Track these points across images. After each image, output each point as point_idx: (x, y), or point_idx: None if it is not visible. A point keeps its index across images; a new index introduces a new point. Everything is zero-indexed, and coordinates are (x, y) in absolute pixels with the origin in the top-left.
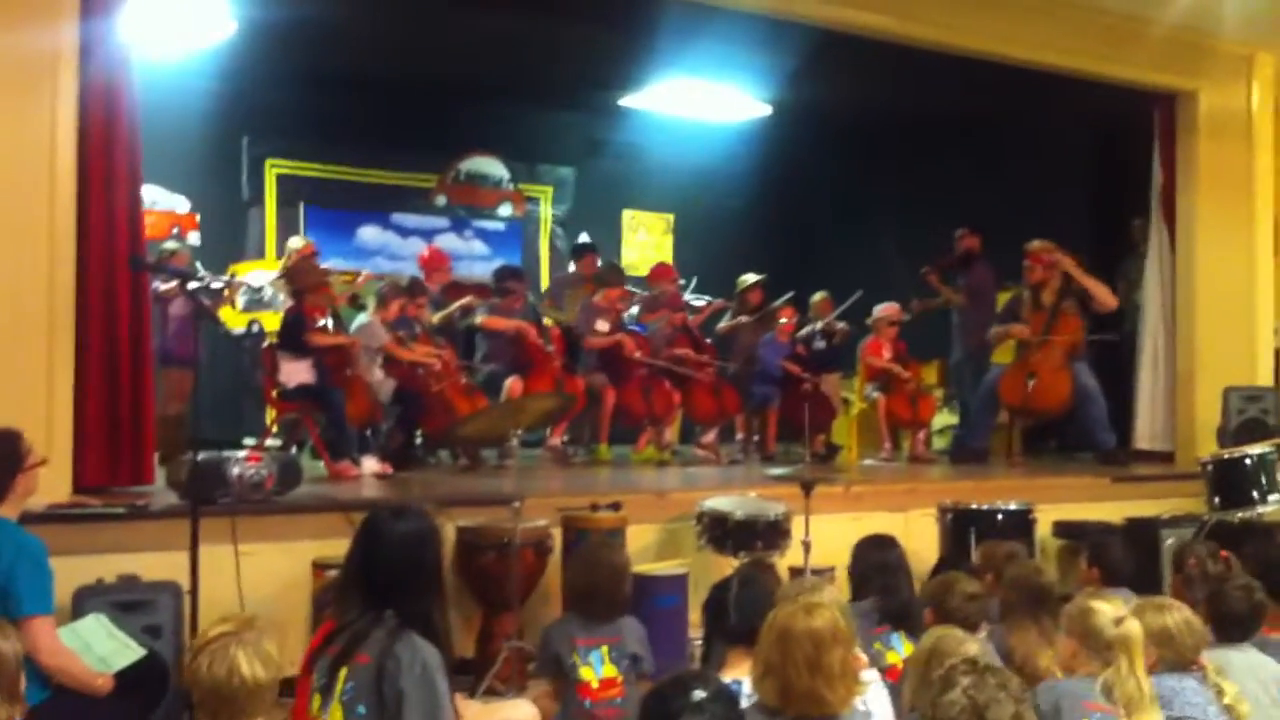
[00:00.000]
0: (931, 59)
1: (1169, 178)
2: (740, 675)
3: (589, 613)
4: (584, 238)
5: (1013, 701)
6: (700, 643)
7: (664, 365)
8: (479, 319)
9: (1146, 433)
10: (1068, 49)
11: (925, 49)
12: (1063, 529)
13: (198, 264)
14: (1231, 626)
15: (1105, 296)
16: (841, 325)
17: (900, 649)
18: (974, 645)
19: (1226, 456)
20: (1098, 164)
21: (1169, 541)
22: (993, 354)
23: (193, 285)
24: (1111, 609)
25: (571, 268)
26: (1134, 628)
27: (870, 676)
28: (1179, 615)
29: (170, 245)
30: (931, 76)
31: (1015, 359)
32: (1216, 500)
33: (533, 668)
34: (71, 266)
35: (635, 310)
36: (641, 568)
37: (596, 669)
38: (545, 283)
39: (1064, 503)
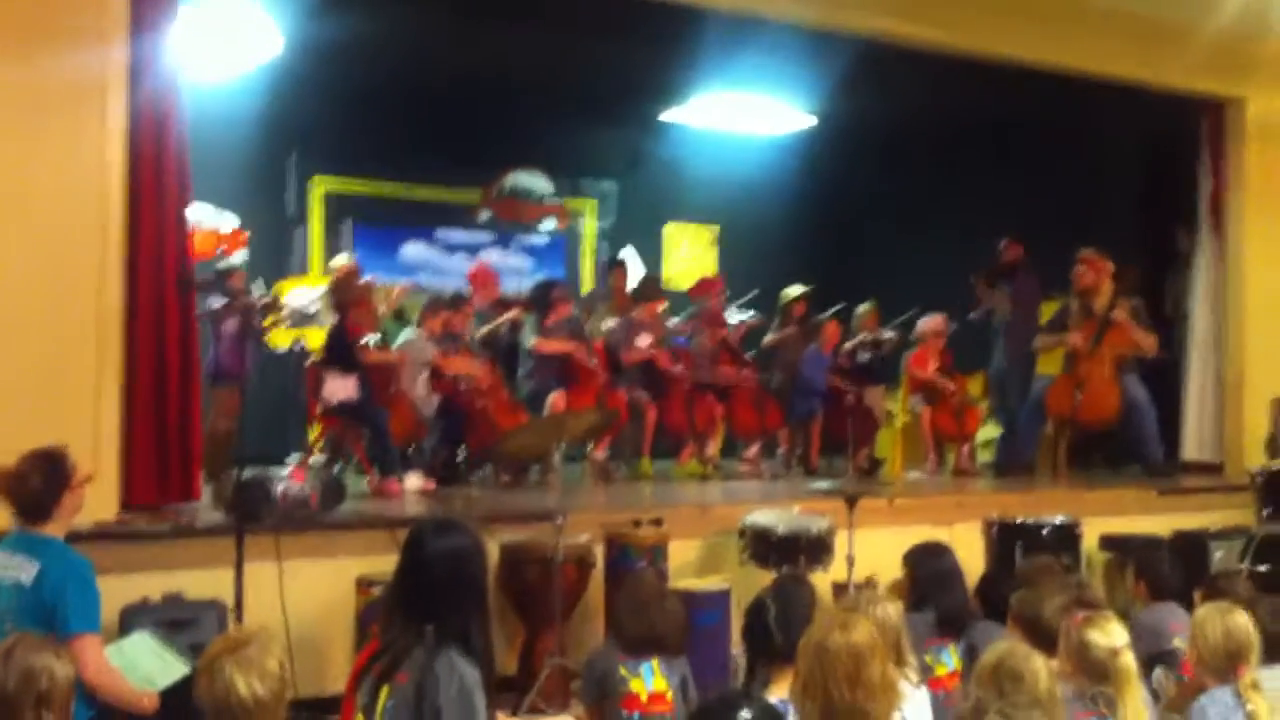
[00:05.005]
0: (977, 69)
1: (1217, 186)
2: (786, 694)
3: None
4: (628, 251)
5: (1047, 716)
6: (743, 658)
7: (703, 380)
8: (531, 343)
9: (1195, 443)
10: (1114, 57)
11: (970, 59)
12: (1109, 542)
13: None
14: (1268, 647)
15: (1151, 347)
16: (890, 335)
17: (950, 662)
18: (1039, 659)
19: (1276, 468)
20: (1145, 173)
21: (1218, 554)
22: (1036, 364)
23: (242, 303)
24: (1107, 640)
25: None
26: (1128, 661)
27: (909, 688)
28: (1227, 621)
29: (225, 265)
30: (977, 86)
31: (1063, 370)
32: (1266, 512)
33: (575, 686)
34: (120, 285)
35: (675, 321)
36: (683, 583)
37: (647, 681)
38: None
39: (1111, 515)
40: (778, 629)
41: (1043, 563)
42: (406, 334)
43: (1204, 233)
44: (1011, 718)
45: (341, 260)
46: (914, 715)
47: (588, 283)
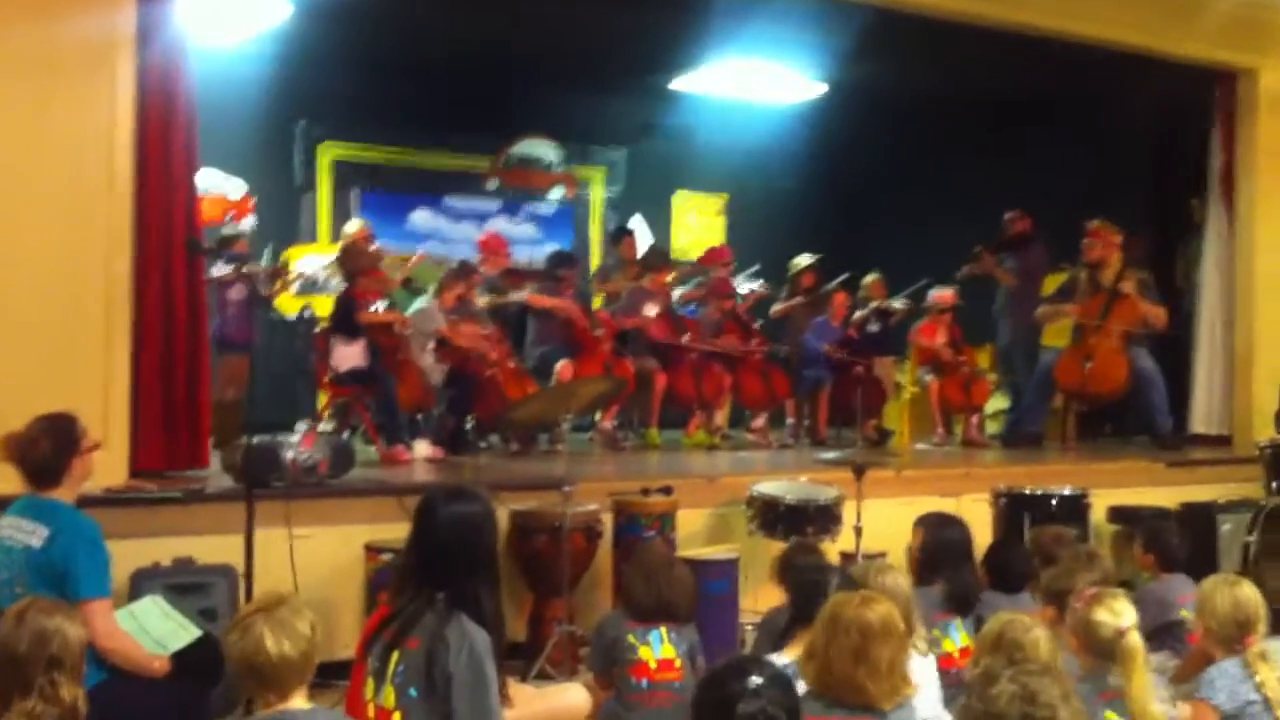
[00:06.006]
0: (988, 37)
1: (1229, 157)
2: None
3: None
4: (637, 220)
5: (1057, 683)
6: (750, 627)
7: (708, 349)
8: (525, 295)
9: (1203, 416)
10: (1126, 25)
11: (982, 27)
12: (1118, 514)
13: (264, 250)
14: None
15: (1160, 320)
16: (900, 304)
17: (957, 638)
18: (1040, 631)
19: None
20: (1156, 143)
21: (1225, 526)
22: (1041, 336)
23: (249, 269)
24: (1114, 619)
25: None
26: (1135, 641)
27: (920, 675)
28: (1235, 592)
29: (230, 231)
30: (988, 56)
31: (1072, 342)
32: (1274, 485)
33: (584, 653)
34: (129, 251)
35: (682, 290)
36: (691, 552)
37: (655, 648)
38: (596, 266)
39: (1119, 487)
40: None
41: (1055, 532)
42: (419, 303)
43: (1215, 204)
44: (1025, 685)
45: (354, 226)
46: (920, 682)
47: (596, 252)
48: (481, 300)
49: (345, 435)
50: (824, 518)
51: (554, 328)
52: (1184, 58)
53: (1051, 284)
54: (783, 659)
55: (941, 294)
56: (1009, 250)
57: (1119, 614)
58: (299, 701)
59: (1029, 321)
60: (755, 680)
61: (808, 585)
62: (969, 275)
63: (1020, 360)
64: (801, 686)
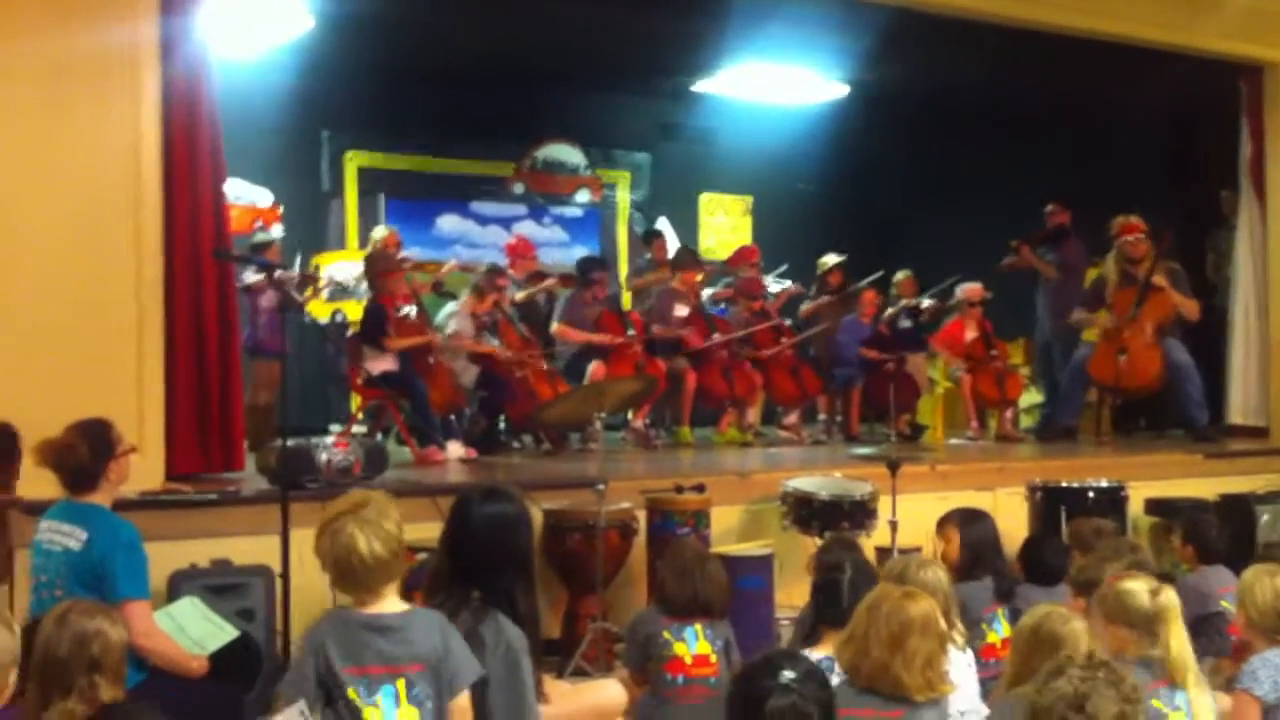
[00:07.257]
0: (1011, 35)
1: (1257, 149)
2: (831, 652)
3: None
4: (662, 222)
5: (1119, 700)
6: (785, 622)
7: (739, 349)
8: (553, 327)
9: (1239, 407)
10: (1151, 21)
11: (1004, 25)
12: (1155, 506)
13: (294, 256)
14: None
15: (1193, 312)
16: (929, 303)
17: (1000, 630)
18: (1079, 623)
19: None
20: (1185, 137)
21: (1264, 517)
22: (1082, 331)
23: (280, 276)
24: (1144, 584)
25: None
26: (1170, 597)
27: (958, 669)
28: (1275, 583)
29: (261, 238)
30: (1011, 53)
31: (1105, 335)
32: None
33: (620, 649)
34: (159, 260)
35: (711, 291)
36: (725, 549)
37: (690, 644)
38: (623, 268)
39: (1156, 480)
40: (849, 591)
41: (1095, 525)
42: (450, 308)
43: (1246, 195)
44: (1078, 689)
45: (381, 232)
46: (958, 677)
47: (623, 254)
48: (519, 295)
49: (378, 437)
50: (859, 513)
51: (586, 329)
52: (1208, 51)
53: (1090, 277)
54: (815, 655)
55: (970, 288)
56: (1048, 243)
57: (1146, 580)
58: (394, 603)
59: (1069, 315)
60: (787, 675)
61: (826, 585)
62: (1010, 268)
63: (1060, 355)
64: (835, 679)
